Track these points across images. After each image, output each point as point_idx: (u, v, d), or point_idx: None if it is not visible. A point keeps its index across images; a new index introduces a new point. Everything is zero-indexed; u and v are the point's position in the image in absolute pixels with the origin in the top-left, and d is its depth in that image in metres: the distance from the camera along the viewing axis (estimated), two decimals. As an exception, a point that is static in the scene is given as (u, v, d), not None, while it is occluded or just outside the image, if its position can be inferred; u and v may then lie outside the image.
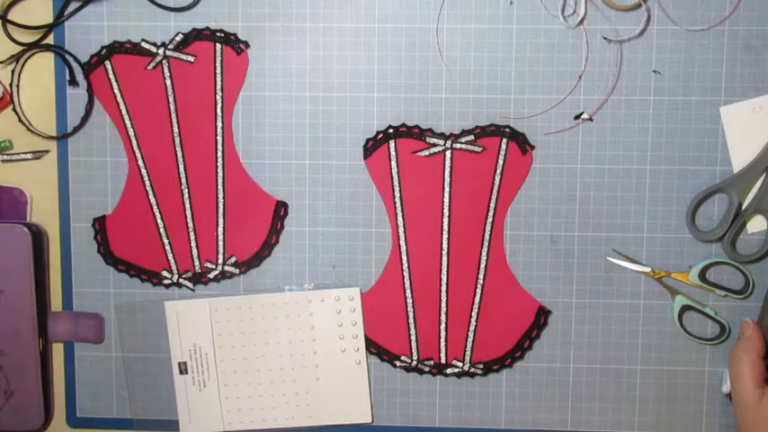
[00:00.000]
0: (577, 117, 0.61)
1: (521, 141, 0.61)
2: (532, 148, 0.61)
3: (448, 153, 0.61)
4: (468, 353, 0.63)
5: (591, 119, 0.61)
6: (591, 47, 0.60)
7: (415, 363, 0.63)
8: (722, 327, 0.62)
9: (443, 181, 0.62)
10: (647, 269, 0.61)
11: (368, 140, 0.62)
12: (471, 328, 0.63)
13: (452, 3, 0.61)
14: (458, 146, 0.61)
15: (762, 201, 0.60)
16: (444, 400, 0.64)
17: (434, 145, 0.61)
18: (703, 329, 0.62)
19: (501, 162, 0.61)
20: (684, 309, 0.61)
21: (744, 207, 0.60)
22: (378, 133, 0.62)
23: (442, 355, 0.63)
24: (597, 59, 0.60)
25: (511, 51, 0.61)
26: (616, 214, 0.62)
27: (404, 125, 0.61)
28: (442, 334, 0.63)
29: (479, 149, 0.61)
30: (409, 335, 0.63)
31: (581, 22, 0.60)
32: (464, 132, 0.61)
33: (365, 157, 0.62)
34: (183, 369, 0.63)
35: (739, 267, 0.61)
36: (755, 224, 0.61)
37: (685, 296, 0.61)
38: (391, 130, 0.61)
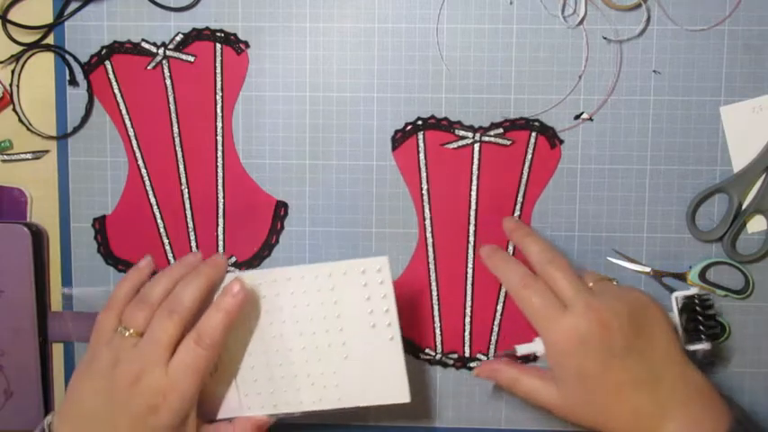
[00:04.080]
0: (577, 117, 0.61)
1: (550, 135, 0.61)
2: (561, 142, 0.61)
3: (476, 146, 0.61)
4: (492, 347, 0.63)
5: (591, 119, 0.61)
6: (591, 47, 0.60)
7: (439, 356, 0.63)
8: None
9: (471, 174, 0.62)
10: (647, 269, 0.61)
11: (396, 132, 0.62)
12: (496, 322, 0.63)
13: (452, 3, 0.61)
14: (486, 138, 0.61)
15: (762, 201, 0.60)
16: (452, 397, 0.64)
17: (463, 137, 0.61)
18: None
19: (529, 156, 0.61)
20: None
21: (744, 207, 0.60)
22: (406, 125, 0.62)
23: (467, 348, 0.63)
24: (597, 59, 0.60)
25: (511, 51, 0.61)
26: (616, 214, 0.62)
27: (433, 117, 0.61)
28: (467, 328, 0.63)
29: (508, 143, 0.61)
30: (434, 328, 0.63)
31: (581, 22, 0.60)
32: (493, 125, 0.61)
33: (393, 148, 0.62)
34: None
35: (739, 267, 0.61)
36: (755, 224, 0.61)
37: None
38: (420, 122, 0.61)
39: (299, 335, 0.55)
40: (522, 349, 0.56)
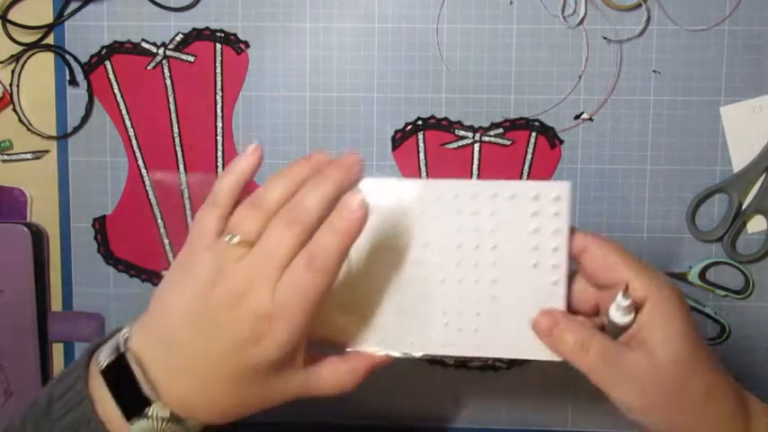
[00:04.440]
0: (577, 117, 0.61)
1: (550, 136, 0.61)
2: (561, 142, 0.61)
3: (476, 146, 0.61)
4: None
5: (591, 119, 0.61)
6: (591, 47, 0.60)
7: (439, 356, 0.63)
8: (722, 327, 0.62)
9: (471, 174, 0.62)
10: (647, 269, 0.61)
11: (396, 132, 0.62)
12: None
13: (452, 3, 0.61)
14: (486, 138, 0.61)
15: (762, 201, 0.60)
16: (450, 396, 0.64)
17: (463, 137, 0.61)
18: (703, 329, 0.62)
19: (529, 156, 0.61)
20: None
21: (744, 207, 0.60)
22: (406, 125, 0.62)
23: None
24: (597, 59, 0.60)
25: (511, 51, 0.61)
26: (616, 214, 0.62)
27: (433, 117, 0.61)
28: None
29: (508, 143, 0.61)
30: None
31: (581, 22, 0.60)
32: (493, 126, 0.61)
33: (393, 148, 0.62)
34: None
35: (739, 267, 0.61)
36: (755, 224, 0.61)
37: (685, 296, 0.61)
38: (420, 122, 0.61)
39: (440, 265, 0.46)
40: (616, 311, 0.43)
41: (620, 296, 0.41)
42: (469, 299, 0.46)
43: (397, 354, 0.46)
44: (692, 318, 0.42)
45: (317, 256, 0.39)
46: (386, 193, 0.45)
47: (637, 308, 0.42)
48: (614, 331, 0.43)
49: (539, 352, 0.45)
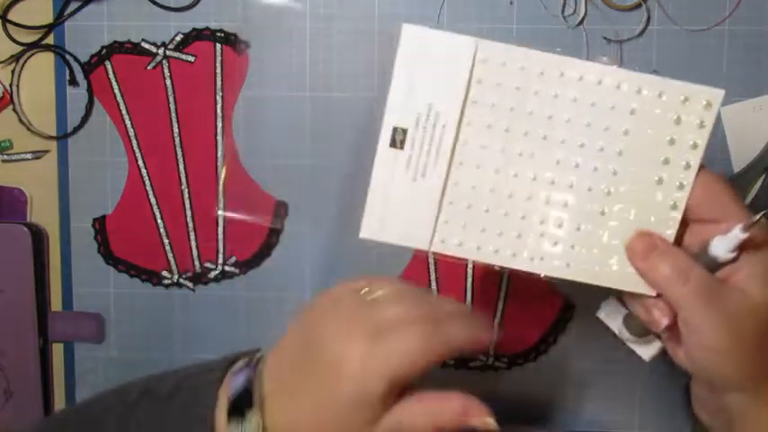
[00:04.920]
0: (577, 117, 0.61)
1: None
2: None
3: None
4: (492, 345, 0.63)
5: (591, 119, 0.61)
6: (591, 47, 0.60)
7: None
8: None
9: None
10: (648, 269, 0.61)
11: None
12: (496, 321, 0.63)
13: (452, 3, 0.61)
14: None
15: (762, 201, 0.60)
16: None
17: None
18: (703, 329, 0.62)
19: None
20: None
21: (744, 207, 0.60)
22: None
23: None
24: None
25: (511, 51, 0.61)
26: (616, 214, 0.62)
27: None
28: None
29: None
30: None
31: (581, 22, 0.60)
32: None
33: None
34: (399, 140, 0.41)
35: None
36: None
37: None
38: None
39: (555, 162, 0.40)
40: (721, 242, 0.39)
41: (737, 229, 0.38)
42: (575, 210, 0.40)
43: (477, 259, 0.41)
44: None
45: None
46: (507, 64, 0.40)
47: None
48: (708, 267, 0.40)
49: (634, 284, 0.41)
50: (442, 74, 0.40)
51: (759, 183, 0.60)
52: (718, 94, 0.39)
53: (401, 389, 0.38)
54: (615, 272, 0.41)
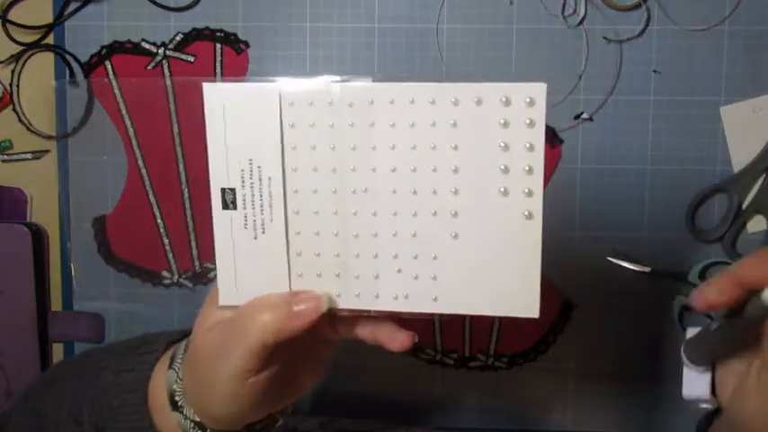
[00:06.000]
0: (577, 117, 0.61)
1: (550, 136, 0.61)
2: (561, 142, 0.61)
3: None
4: (492, 345, 0.63)
5: (591, 119, 0.61)
6: (591, 47, 0.60)
7: (439, 356, 0.63)
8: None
9: None
10: (647, 269, 0.61)
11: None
12: (496, 321, 0.63)
13: (452, 3, 0.61)
14: None
15: (762, 201, 0.60)
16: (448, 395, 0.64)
17: None
18: (703, 329, 0.62)
19: None
20: (684, 309, 0.61)
21: (744, 207, 0.60)
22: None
23: (466, 347, 0.63)
24: (597, 59, 0.60)
25: (511, 51, 0.61)
26: (616, 214, 0.62)
27: None
28: (467, 326, 0.63)
29: None
30: (433, 327, 0.63)
31: (581, 22, 0.60)
32: None
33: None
34: (230, 201, 0.40)
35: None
36: (755, 224, 0.61)
37: (685, 296, 0.61)
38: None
39: (390, 192, 0.38)
40: None
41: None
42: (426, 238, 0.38)
43: (340, 307, 0.39)
44: None
45: None
46: (314, 104, 0.37)
47: None
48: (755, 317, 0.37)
49: (507, 306, 0.38)
50: (254, 126, 0.38)
51: (759, 183, 0.60)
52: (539, 88, 0.35)
53: None
54: (488, 297, 0.38)
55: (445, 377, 0.64)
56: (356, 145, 0.38)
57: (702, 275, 0.61)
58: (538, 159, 0.36)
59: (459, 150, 0.37)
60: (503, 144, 0.36)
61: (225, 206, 0.40)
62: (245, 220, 0.40)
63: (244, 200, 0.39)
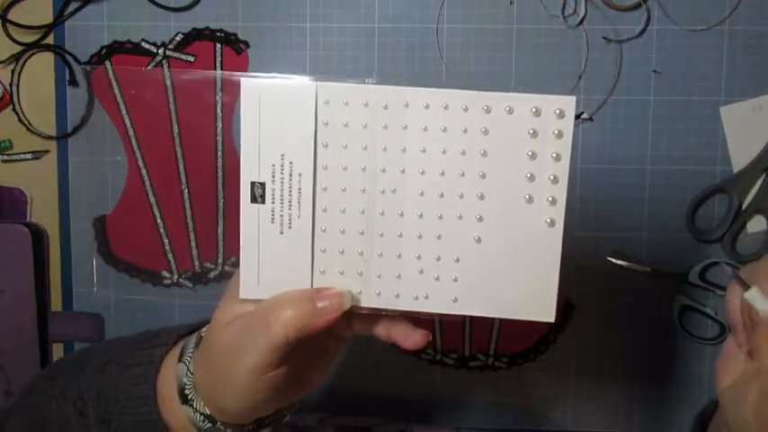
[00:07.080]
0: (577, 117, 0.61)
1: None
2: None
3: None
4: (492, 345, 0.63)
5: (591, 119, 0.61)
6: (591, 47, 0.60)
7: (439, 356, 0.63)
8: (722, 327, 0.62)
9: None
10: (647, 269, 0.61)
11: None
12: (496, 321, 0.63)
13: (452, 3, 0.61)
14: None
15: (762, 201, 0.60)
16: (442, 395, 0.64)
17: None
18: (703, 329, 0.62)
19: None
20: (684, 309, 0.61)
21: (744, 207, 0.60)
22: None
23: (466, 347, 0.63)
24: (597, 59, 0.60)
25: (511, 51, 0.61)
26: (616, 214, 0.62)
27: None
28: (467, 326, 0.63)
29: None
30: (433, 327, 0.63)
31: (581, 22, 0.60)
32: None
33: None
34: (259, 195, 0.40)
35: (739, 267, 0.61)
36: (755, 224, 0.61)
37: (685, 296, 0.61)
38: None
39: (419, 194, 0.39)
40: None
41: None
42: (450, 240, 0.39)
43: (361, 305, 0.40)
44: None
45: None
46: (350, 104, 0.38)
47: None
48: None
49: (524, 310, 0.39)
50: (288, 122, 0.39)
51: (759, 183, 0.60)
52: (569, 101, 0.38)
53: None
54: (506, 300, 0.39)
55: (445, 377, 0.64)
56: (387, 146, 0.39)
57: (702, 275, 0.61)
58: (563, 169, 0.38)
59: (488, 157, 0.38)
60: (530, 153, 0.38)
61: (253, 200, 0.40)
62: (273, 215, 0.40)
63: (273, 194, 0.40)
